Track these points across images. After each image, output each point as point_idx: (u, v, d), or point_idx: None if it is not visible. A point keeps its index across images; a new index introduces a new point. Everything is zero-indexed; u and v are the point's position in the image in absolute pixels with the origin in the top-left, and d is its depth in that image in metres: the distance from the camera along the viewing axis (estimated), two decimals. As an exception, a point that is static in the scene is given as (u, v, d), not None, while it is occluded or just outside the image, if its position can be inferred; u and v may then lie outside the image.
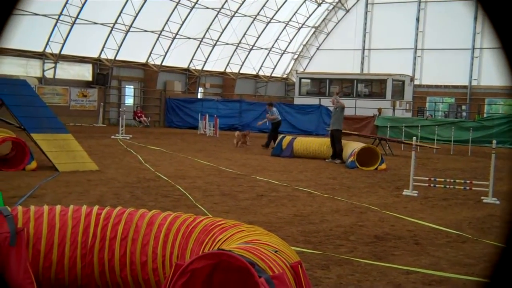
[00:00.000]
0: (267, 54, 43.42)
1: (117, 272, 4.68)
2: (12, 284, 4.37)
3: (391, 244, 6.97)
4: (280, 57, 44.68)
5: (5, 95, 12.82)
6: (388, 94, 34.91)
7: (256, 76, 43.73)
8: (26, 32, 28.64)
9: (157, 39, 34.98)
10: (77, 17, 30.24)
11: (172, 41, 35.78)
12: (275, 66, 44.70)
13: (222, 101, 35.84)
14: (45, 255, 4.59)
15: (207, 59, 38.83)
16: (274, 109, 22.08)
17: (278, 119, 21.73)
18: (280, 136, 19.34)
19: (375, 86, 36.74)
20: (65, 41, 30.57)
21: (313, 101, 34.62)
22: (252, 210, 8.78)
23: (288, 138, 18.96)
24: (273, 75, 45.02)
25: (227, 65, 40.85)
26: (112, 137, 23.09)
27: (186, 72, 38.74)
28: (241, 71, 41.91)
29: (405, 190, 11.35)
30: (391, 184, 12.71)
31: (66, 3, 29.41)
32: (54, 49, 30.62)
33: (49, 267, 4.60)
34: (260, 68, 43.60)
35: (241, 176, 12.71)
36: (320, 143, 18.44)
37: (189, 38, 36.57)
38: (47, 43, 30.29)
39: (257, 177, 12.64)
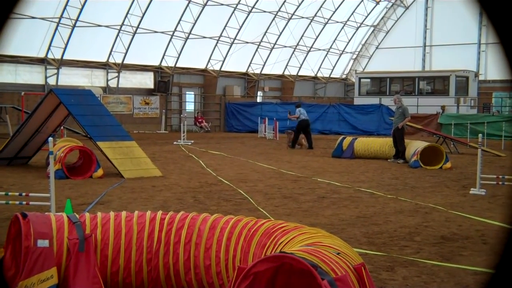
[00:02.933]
0: (326, 55, 43.17)
1: (182, 276, 4.75)
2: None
3: (458, 244, 6.79)
4: (339, 58, 44.33)
5: (72, 105, 13.26)
6: (452, 90, 34.02)
7: (315, 77, 43.54)
8: (90, 43, 29.61)
9: (216, 44, 35.39)
10: (138, 27, 30.99)
11: (230, 46, 36.11)
12: (334, 67, 44.39)
13: (281, 104, 35.85)
14: (112, 260, 4.71)
15: (265, 63, 38.97)
16: (297, 109, 22.19)
17: (301, 118, 21.71)
18: (340, 137, 19.19)
19: (437, 83, 35.88)
20: (127, 50, 31.38)
21: (373, 100, 34.14)
22: (314, 212, 8.74)
23: (348, 139, 18.77)
24: (332, 76, 44.71)
25: (285, 67, 40.87)
26: (175, 143, 23.49)
27: (244, 77, 39.01)
28: (299, 73, 41.83)
29: (472, 189, 11.02)
30: (457, 183, 12.37)
31: (127, 13, 30.20)
32: (117, 58, 31.48)
33: (117, 272, 4.72)
34: (319, 69, 43.39)
35: (302, 179, 12.68)
36: (382, 143, 18.16)
37: (247, 42, 36.81)
38: (110, 53, 31.17)
39: (318, 179, 12.58)
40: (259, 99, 39.16)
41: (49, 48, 28.56)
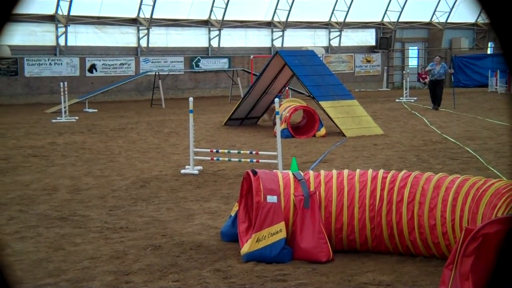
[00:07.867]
0: None
1: (405, 234, 4.70)
2: (306, 243, 4.71)
3: None
4: None
5: (296, 66, 13.71)
6: None
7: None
8: (312, 4, 30.18)
9: (441, -5, 33.57)
10: (358, -16, 30.67)
11: (457, -5, 33.96)
12: None
13: (516, 55, 32.87)
14: (336, 216, 4.83)
15: (496, 10, 35.94)
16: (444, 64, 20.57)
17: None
18: None
19: None
20: (349, 8, 31.32)
21: None
22: (554, 172, 7.96)
23: None
24: None
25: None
26: (397, 100, 23.03)
27: (473, 27, 36.48)
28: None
29: None
30: None
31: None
32: (339, 17, 31.64)
33: (340, 228, 4.83)
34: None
35: (539, 136, 11.59)
36: None
37: (476, -11, 34.24)
38: (332, 12, 31.43)
39: (560, 136, 11.38)
40: (490, 51, 36.41)
41: (275, 12, 29.77)
